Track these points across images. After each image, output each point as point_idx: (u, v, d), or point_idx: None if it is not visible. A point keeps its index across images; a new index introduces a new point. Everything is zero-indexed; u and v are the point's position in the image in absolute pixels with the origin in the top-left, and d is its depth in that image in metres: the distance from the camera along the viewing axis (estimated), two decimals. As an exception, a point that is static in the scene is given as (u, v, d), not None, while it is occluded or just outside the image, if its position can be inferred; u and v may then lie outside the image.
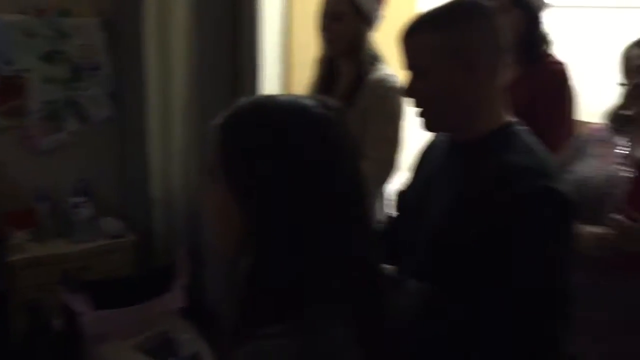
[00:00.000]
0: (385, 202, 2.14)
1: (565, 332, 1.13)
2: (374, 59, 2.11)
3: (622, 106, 1.66)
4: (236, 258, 0.82)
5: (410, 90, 1.20)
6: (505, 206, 1.08)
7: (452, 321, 1.16)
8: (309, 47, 3.28)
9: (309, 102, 0.85)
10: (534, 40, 2.15)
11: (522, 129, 1.22)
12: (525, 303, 1.08)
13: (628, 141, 1.64)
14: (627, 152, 1.62)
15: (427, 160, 1.39)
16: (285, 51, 3.41)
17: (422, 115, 1.22)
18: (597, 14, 3.53)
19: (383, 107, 2.03)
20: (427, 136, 1.40)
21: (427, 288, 1.22)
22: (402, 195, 1.47)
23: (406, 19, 1.23)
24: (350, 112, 2.03)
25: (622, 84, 1.63)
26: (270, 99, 0.87)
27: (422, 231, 1.24)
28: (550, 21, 2.88)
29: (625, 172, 1.57)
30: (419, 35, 1.17)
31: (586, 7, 3.56)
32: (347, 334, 0.80)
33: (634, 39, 1.64)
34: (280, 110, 0.83)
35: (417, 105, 1.21)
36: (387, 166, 2.06)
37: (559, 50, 2.86)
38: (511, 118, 1.23)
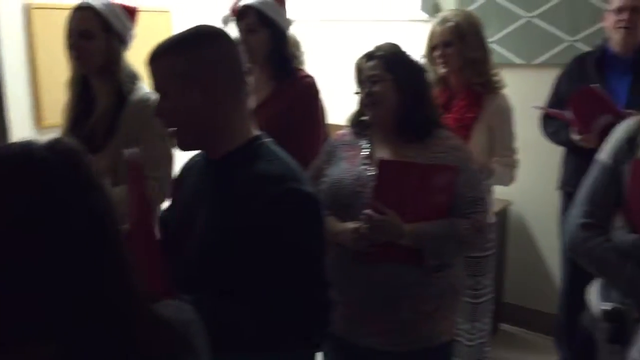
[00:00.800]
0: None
1: (326, 313, 1.28)
2: (132, 77, 2.06)
3: (360, 112, 1.85)
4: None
5: (158, 111, 1.26)
6: (260, 210, 1.17)
7: (225, 323, 1.19)
8: (57, 66, 3.09)
9: (35, 150, 0.76)
10: (283, 57, 2.30)
11: (268, 141, 1.32)
12: (290, 293, 1.19)
13: (367, 143, 1.83)
14: (368, 153, 1.81)
15: (185, 179, 1.43)
16: (31, 71, 3.16)
17: (173, 134, 1.28)
18: (342, 26, 3.90)
19: (152, 127, 1.98)
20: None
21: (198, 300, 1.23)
22: (165, 216, 1.48)
23: (162, 39, 1.27)
24: (115, 137, 1.97)
25: (357, 93, 1.82)
26: None
27: (189, 249, 1.28)
28: (301, 34, 3.11)
29: (370, 171, 1.75)
30: (161, 59, 1.24)
31: (331, 21, 3.91)
32: None
33: (367, 50, 1.83)
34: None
35: (167, 125, 1.28)
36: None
37: (310, 60, 3.11)
38: (257, 132, 1.32)
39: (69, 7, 3.11)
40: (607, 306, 1.44)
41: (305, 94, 2.30)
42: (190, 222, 1.31)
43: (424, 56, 2.43)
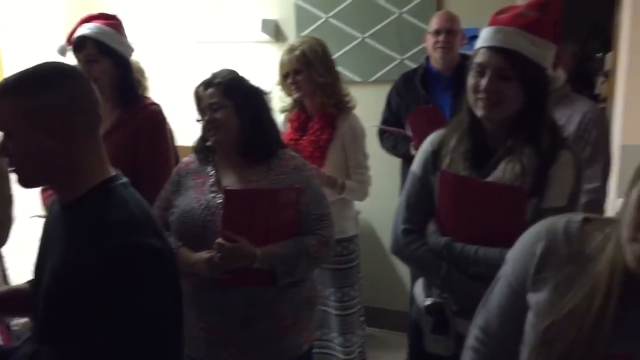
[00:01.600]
0: None
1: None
2: None
3: (203, 139, 1.88)
4: None
5: (2, 151, 1.20)
6: (96, 263, 1.12)
7: None
8: None
9: None
10: (128, 85, 2.26)
11: (120, 183, 1.26)
12: (130, 344, 1.14)
13: (213, 169, 1.86)
14: (215, 180, 1.84)
15: (45, 226, 1.37)
16: None
17: (15, 172, 1.23)
18: (186, 48, 3.88)
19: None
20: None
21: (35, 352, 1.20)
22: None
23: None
24: None
25: (199, 120, 1.85)
26: None
27: (39, 296, 1.24)
28: (146, 58, 3.06)
29: (218, 199, 1.78)
30: (3, 98, 1.18)
31: (175, 43, 3.88)
32: None
33: (205, 77, 1.86)
34: None
35: (10, 165, 1.22)
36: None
37: (156, 83, 3.07)
38: (111, 172, 1.27)
39: None
40: (429, 301, 1.59)
41: (150, 122, 2.28)
42: (42, 270, 1.26)
43: (278, 83, 2.53)
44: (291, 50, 2.47)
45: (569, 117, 2.18)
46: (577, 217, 1.06)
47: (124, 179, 1.28)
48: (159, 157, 2.28)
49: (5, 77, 1.22)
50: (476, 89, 1.48)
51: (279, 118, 2.48)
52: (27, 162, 1.20)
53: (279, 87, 2.56)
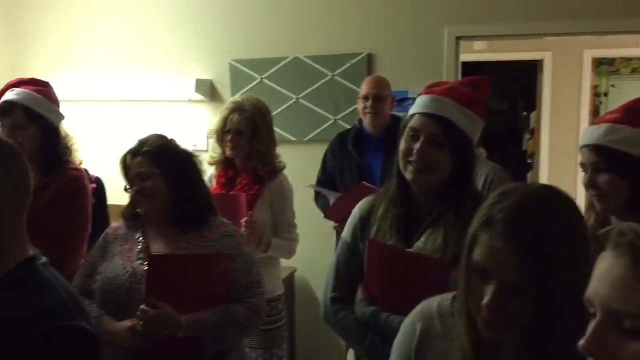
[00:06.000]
0: None
1: None
2: None
3: (133, 206, 1.85)
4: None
5: None
6: (30, 350, 1.05)
7: None
8: None
9: None
10: (54, 153, 2.21)
11: (41, 264, 1.20)
12: None
13: (141, 236, 1.83)
14: (142, 247, 1.80)
15: None
16: None
17: None
18: (119, 107, 3.85)
19: None
20: None
21: None
22: None
23: None
24: None
25: (127, 190, 1.82)
26: None
27: None
28: (80, 115, 3.01)
29: (144, 266, 1.74)
30: None
31: (109, 102, 3.84)
32: None
33: (131, 146, 1.84)
34: None
35: None
36: None
37: (87, 142, 3.02)
38: (30, 251, 1.19)
39: None
40: None
41: (70, 186, 2.21)
42: None
43: (211, 136, 2.52)
44: (241, 110, 2.45)
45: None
46: (449, 295, 1.14)
47: (44, 259, 1.21)
48: (74, 223, 2.20)
49: None
50: (409, 153, 1.49)
51: (208, 171, 2.46)
52: None
53: (211, 138, 2.54)
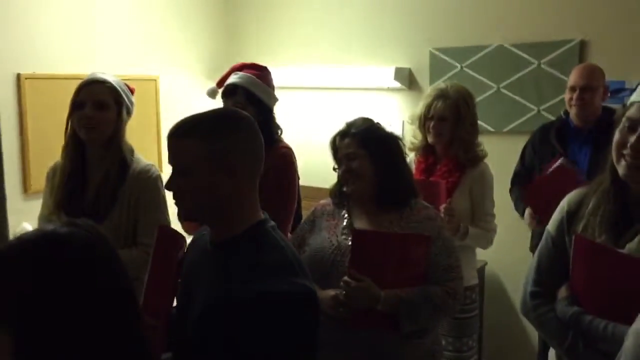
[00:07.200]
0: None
1: None
2: (131, 150, 2.17)
3: (340, 185, 1.96)
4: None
5: (173, 186, 1.28)
6: (261, 298, 1.17)
7: None
8: (46, 134, 3.19)
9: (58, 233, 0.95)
10: (267, 133, 2.42)
11: (270, 226, 1.33)
12: None
13: (347, 213, 1.94)
14: (347, 223, 1.91)
15: (190, 254, 1.46)
16: (21, 139, 3.26)
17: (180, 206, 1.30)
18: (323, 94, 4.08)
19: (151, 197, 2.10)
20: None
21: None
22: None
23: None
24: (117, 205, 2.06)
25: (336, 169, 1.94)
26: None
27: (186, 329, 1.29)
28: (284, 102, 3.27)
29: (348, 241, 1.85)
30: (185, 138, 1.25)
31: (314, 89, 4.09)
32: None
33: (340, 128, 1.96)
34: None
35: (176, 197, 1.29)
36: None
37: (291, 127, 3.26)
38: (261, 215, 1.33)
39: (59, 77, 3.29)
40: None
41: (279, 163, 2.39)
42: (187, 300, 1.33)
43: (413, 122, 2.56)
44: (444, 97, 2.46)
45: None
46: None
47: (272, 222, 1.34)
48: (283, 196, 2.39)
49: (186, 116, 1.30)
50: (622, 146, 1.37)
51: (408, 156, 2.50)
52: (200, 199, 1.25)
53: (411, 124, 2.57)
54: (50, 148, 3.15)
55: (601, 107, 2.72)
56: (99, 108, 2.06)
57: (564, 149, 2.72)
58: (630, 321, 1.31)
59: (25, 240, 0.96)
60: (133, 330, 1.02)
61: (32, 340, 0.90)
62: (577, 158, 2.69)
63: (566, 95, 2.77)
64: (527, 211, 2.72)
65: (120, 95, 2.11)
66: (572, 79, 2.73)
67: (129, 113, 2.17)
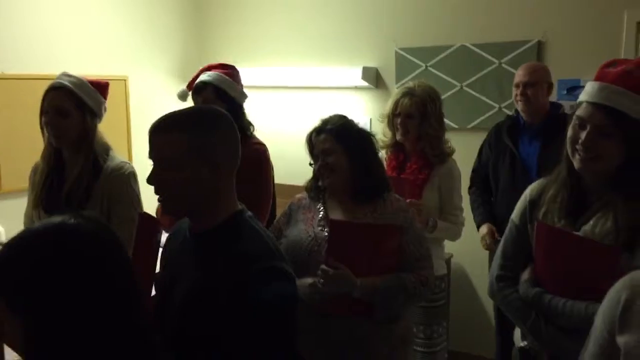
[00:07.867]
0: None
1: None
2: (106, 149, 2.21)
3: (315, 179, 2.04)
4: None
5: (152, 179, 1.32)
6: (244, 284, 1.22)
7: None
8: (16, 134, 3.17)
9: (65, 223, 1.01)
10: (239, 127, 2.48)
11: (248, 215, 1.39)
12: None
13: (322, 206, 2.03)
14: (323, 215, 2.00)
15: (170, 245, 1.51)
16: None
17: (163, 199, 1.34)
18: (292, 94, 4.16)
19: (124, 193, 2.15)
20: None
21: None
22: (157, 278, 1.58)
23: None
24: (90, 202, 2.10)
25: (312, 164, 2.02)
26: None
27: (168, 316, 1.34)
28: (255, 101, 3.33)
29: (324, 232, 1.93)
30: (170, 132, 1.29)
31: (284, 88, 4.16)
32: None
33: (315, 125, 2.03)
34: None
35: (158, 191, 1.33)
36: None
37: (263, 126, 3.32)
38: (238, 205, 1.40)
39: (27, 77, 3.28)
40: (523, 344, 1.63)
41: (254, 159, 2.45)
42: (170, 287, 1.37)
43: (382, 120, 2.65)
44: (411, 94, 2.54)
45: None
46: None
47: (249, 212, 1.41)
48: (258, 192, 2.45)
49: (160, 115, 1.34)
50: (575, 141, 1.49)
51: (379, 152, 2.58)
52: (184, 191, 1.30)
53: (382, 122, 2.66)
54: (20, 149, 3.17)
55: (548, 102, 2.86)
56: (60, 115, 2.09)
57: (514, 144, 2.86)
58: (586, 298, 1.44)
59: (34, 232, 1.02)
60: (137, 318, 1.07)
61: (41, 324, 0.95)
62: (527, 152, 2.82)
63: (513, 92, 2.91)
64: (486, 227, 2.87)
65: (81, 99, 2.12)
66: (516, 76, 2.88)
67: (95, 115, 2.18)
